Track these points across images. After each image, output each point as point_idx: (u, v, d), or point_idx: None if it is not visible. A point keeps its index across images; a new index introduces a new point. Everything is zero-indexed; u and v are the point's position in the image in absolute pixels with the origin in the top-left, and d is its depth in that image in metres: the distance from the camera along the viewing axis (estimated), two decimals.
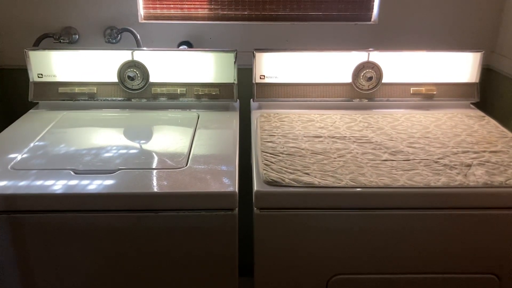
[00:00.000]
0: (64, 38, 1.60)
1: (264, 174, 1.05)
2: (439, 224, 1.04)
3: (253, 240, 1.07)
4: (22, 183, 1.01)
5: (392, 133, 1.29)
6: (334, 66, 1.47)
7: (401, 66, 1.47)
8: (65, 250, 1.03)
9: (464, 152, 1.17)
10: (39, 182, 1.01)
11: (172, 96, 1.45)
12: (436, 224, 1.04)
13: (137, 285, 1.08)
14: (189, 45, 1.65)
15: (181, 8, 1.66)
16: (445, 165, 1.10)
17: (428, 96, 1.49)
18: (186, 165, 1.09)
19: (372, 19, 1.68)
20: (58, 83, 1.45)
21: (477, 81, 1.50)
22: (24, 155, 1.14)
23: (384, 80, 1.47)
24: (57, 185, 1.00)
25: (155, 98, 1.46)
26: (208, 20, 1.68)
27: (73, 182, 1.01)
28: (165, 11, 1.66)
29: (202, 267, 1.06)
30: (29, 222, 1.00)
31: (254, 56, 1.45)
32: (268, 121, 1.36)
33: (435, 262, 1.08)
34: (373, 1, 1.66)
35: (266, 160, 1.12)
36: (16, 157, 1.13)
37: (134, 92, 1.45)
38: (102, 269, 1.05)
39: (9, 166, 1.08)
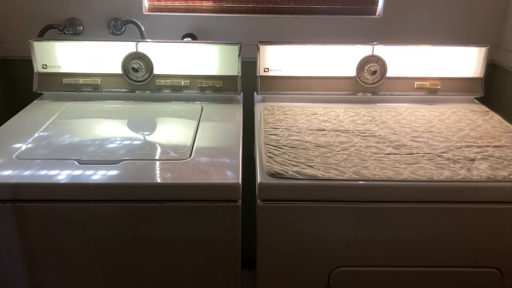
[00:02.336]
0: (68, 29, 1.60)
1: (268, 166, 1.05)
2: (441, 218, 1.05)
3: (256, 233, 1.08)
4: (27, 172, 1.01)
5: (396, 127, 1.29)
6: (338, 59, 1.46)
7: (406, 60, 1.47)
8: (69, 240, 1.03)
9: (467, 146, 1.17)
10: (43, 172, 1.01)
11: (176, 88, 1.46)
12: (439, 218, 1.05)
13: (139, 275, 1.08)
14: (193, 37, 1.65)
15: (186, 0, 1.66)
16: (448, 159, 1.10)
17: (432, 91, 1.49)
18: (190, 156, 1.10)
19: (377, 13, 1.68)
20: (63, 74, 1.45)
21: (482, 76, 1.49)
22: (29, 145, 1.15)
23: (388, 74, 1.47)
24: (61, 175, 1.00)
25: (159, 90, 1.46)
26: (212, 12, 1.67)
27: (77, 172, 1.02)
28: (169, 3, 1.66)
29: (204, 258, 1.07)
30: (33, 212, 1.00)
31: (258, 49, 1.45)
32: (272, 114, 1.36)
33: (437, 255, 1.09)
34: None
35: (270, 152, 1.12)
36: (20, 147, 1.13)
37: (138, 84, 1.45)
38: (104, 259, 1.06)
39: (13, 156, 1.08)
